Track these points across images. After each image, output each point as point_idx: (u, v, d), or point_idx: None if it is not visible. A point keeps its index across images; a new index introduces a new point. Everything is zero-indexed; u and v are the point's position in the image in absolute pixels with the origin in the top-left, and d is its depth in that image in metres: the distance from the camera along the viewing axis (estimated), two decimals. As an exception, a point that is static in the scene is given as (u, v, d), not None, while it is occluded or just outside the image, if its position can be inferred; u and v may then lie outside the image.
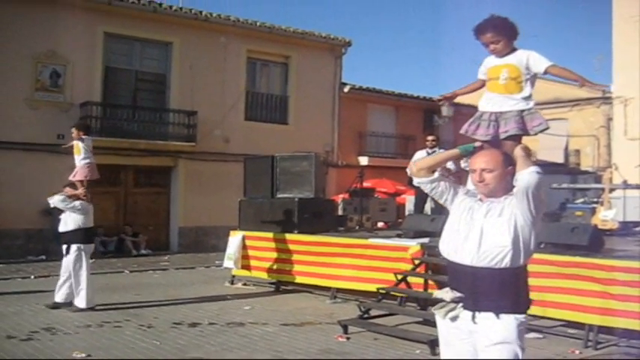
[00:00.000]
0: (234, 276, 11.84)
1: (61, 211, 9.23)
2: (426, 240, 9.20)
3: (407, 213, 15.07)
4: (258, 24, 20.11)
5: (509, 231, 3.23)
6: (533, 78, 3.99)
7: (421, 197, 11.84)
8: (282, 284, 11.06)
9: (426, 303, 8.27)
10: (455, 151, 3.78)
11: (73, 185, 9.22)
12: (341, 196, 15.88)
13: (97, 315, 8.44)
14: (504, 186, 3.35)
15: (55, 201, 9.07)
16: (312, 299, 10.18)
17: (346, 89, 22.45)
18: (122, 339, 7.17)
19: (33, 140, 16.32)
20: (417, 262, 8.71)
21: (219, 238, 14.15)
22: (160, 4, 18.29)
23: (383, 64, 60.69)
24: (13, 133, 16.05)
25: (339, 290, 9.92)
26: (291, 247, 10.69)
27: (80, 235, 8.98)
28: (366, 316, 7.91)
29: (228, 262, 11.78)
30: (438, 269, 8.77)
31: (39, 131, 16.39)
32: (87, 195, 9.23)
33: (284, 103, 21.11)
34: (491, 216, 3.31)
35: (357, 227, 12.37)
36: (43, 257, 15.85)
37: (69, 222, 9.04)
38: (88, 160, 9.26)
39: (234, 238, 11.76)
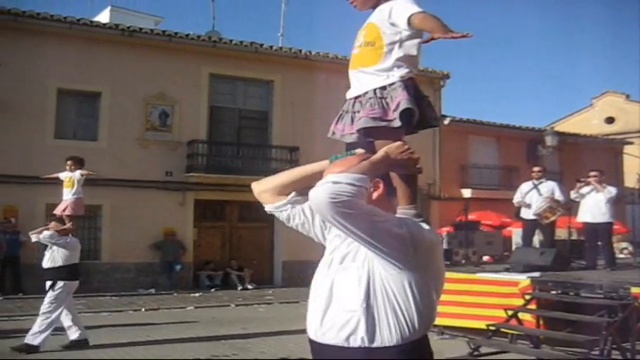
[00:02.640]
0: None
1: (45, 247, 8.91)
2: (536, 274, 8.88)
3: (514, 246, 14.65)
4: (357, 58, 20.25)
5: (359, 285, 2.15)
6: (404, 40, 2.47)
7: (529, 229, 11.48)
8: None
9: (539, 340, 7.96)
10: (322, 164, 2.64)
11: (59, 220, 8.86)
12: (445, 229, 15.63)
13: (206, 347, 8.60)
14: None
15: (44, 237, 8.67)
16: (419, 335, 9.96)
17: (446, 121, 22.21)
18: (231, 373, 7.27)
19: (143, 177, 17.05)
20: (527, 297, 8.40)
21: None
22: (261, 45, 18.82)
23: (483, 96, 59.83)
24: (125, 170, 16.83)
25: (446, 327, 9.69)
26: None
27: (67, 272, 8.60)
28: (476, 353, 7.68)
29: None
30: (551, 305, 8.44)
31: (149, 169, 17.12)
32: (74, 230, 9.08)
33: (386, 137, 21.05)
34: (348, 261, 2.26)
35: (463, 261, 12.10)
36: (152, 290, 16.38)
37: (56, 258, 8.59)
38: (79, 195, 8.99)
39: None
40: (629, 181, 23.64)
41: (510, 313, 8.23)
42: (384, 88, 2.41)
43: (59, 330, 8.60)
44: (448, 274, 9.83)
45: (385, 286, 2.12)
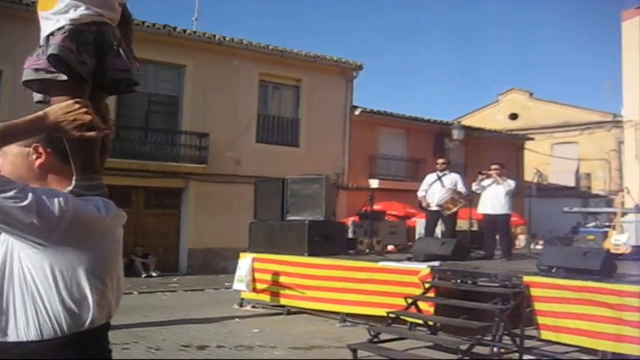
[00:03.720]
0: (243, 299, 11.78)
1: None
2: (436, 263, 9.15)
3: (417, 236, 15.03)
4: (270, 47, 20.26)
5: None
6: None
7: (432, 220, 11.82)
8: (291, 308, 11.00)
9: (437, 328, 8.21)
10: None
11: None
12: (351, 218, 15.87)
13: (106, 336, 8.40)
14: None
15: None
16: (322, 323, 10.11)
17: (357, 112, 22.49)
18: (130, 361, 7.14)
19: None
20: (426, 285, 8.64)
21: (229, 260, 14.15)
22: (174, 28, 18.46)
23: (394, 88, 60.91)
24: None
25: (348, 314, 9.85)
26: (301, 270, 10.63)
27: None
28: (375, 340, 7.84)
29: (238, 285, 11.73)
30: (449, 293, 8.72)
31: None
32: None
33: (295, 125, 21.18)
34: None
35: (368, 250, 12.33)
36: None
37: None
38: None
39: (244, 261, 11.73)
40: (529, 175, 24.74)
41: (410, 301, 8.45)
42: (53, 34, 1.96)
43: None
44: (352, 263, 10.04)
45: (24, 268, 1.75)
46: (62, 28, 1.94)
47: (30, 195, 1.68)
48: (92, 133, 1.84)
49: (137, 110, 18.32)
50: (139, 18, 18.47)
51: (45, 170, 1.93)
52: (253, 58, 20.00)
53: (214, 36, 19.24)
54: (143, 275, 17.14)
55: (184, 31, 18.87)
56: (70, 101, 1.84)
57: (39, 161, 1.92)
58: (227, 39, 19.44)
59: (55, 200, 1.72)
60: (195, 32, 19.25)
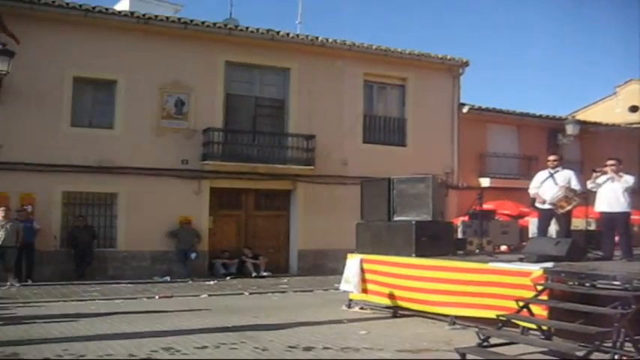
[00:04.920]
0: (351, 300, 11.74)
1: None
2: (549, 264, 8.72)
3: (530, 236, 14.46)
4: (374, 47, 20.16)
5: None
6: None
7: (545, 219, 11.30)
8: (399, 309, 10.84)
9: (550, 332, 7.81)
10: None
11: None
12: (461, 218, 15.48)
13: (215, 336, 8.58)
14: None
15: None
16: (430, 325, 9.90)
17: (465, 110, 21.96)
18: (237, 362, 7.23)
19: (159, 165, 17.09)
20: (539, 288, 8.25)
21: (338, 261, 14.13)
22: (278, 32, 18.72)
23: (502, 83, 59.10)
24: (141, 158, 16.89)
25: (457, 316, 9.58)
26: (408, 271, 10.46)
27: None
28: (485, 344, 7.55)
29: (345, 285, 11.70)
30: (564, 296, 8.29)
31: (164, 157, 17.16)
32: None
33: (402, 125, 20.95)
34: None
35: (477, 251, 11.95)
36: (168, 278, 16.44)
37: None
38: None
39: (352, 261, 11.69)
40: (652, 171, 23.28)
41: (521, 304, 8.10)
42: None
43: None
44: (461, 264, 9.76)
45: None
46: None
47: None
48: None
49: (245, 114, 18.71)
50: (243, 23, 18.96)
51: None
52: (357, 59, 19.96)
53: (317, 38, 19.35)
54: (254, 275, 17.47)
55: (287, 34, 19.09)
56: None
57: None
58: (330, 40, 19.50)
59: None
60: (298, 35, 19.44)
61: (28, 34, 15.67)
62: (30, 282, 14.81)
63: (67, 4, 16.32)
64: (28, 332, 8.91)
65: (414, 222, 10.75)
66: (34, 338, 8.43)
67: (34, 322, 9.77)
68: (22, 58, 15.16)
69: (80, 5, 16.46)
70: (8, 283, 14.25)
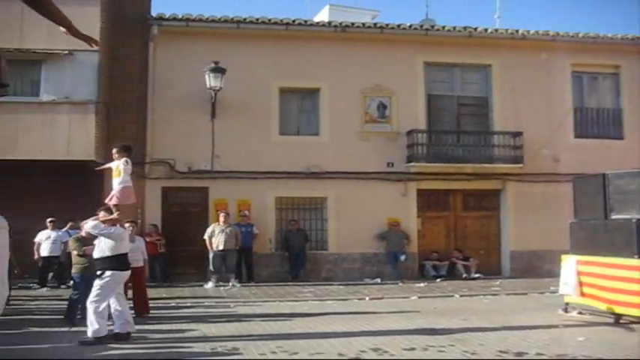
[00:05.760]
0: (567, 303, 11.07)
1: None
2: None
3: None
4: (580, 35, 18.95)
5: None
6: None
7: None
8: (622, 315, 10.02)
9: None
10: None
11: (108, 210, 8.72)
12: None
13: (423, 338, 8.52)
14: None
15: (87, 227, 8.77)
16: (659, 333, 9.04)
17: None
18: (445, 365, 7.12)
19: (365, 169, 17.44)
20: None
21: (554, 263, 13.43)
22: (476, 28, 18.27)
23: None
24: (347, 163, 17.36)
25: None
26: (631, 274, 9.63)
27: (114, 262, 8.52)
28: None
29: (563, 288, 11.08)
30: None
31: (370, 160, 17.48)
32: (121, 220, 8.87)
33: (617, 116, 19.44)
34: None
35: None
36: (378, 280, 16.69)
37: (104, 248, 8.54)
38: (125, 184, 8.60)
39: (567, 263, 11.05)
40: None
41: None
42: None
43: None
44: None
45: None
46: None
47: None
48: None
49: (447, 114, 18.51)
50: (439, 23, 18.77)
51: None
52: (563, 49, 18.83)
53: (517, 31, 18.60)
54: (463, 277, 17.18)
55: (486, 30, 18.58)
56: None
57: None
58: (532, 32, 18.67)
59: None
60: (497, 30, 18.84)
61: (236, 51, 16.93)
62: (252, 283, 15.82)
63: (269, 20, 17.34)
64: (247, 329, 9.51)
65: (634, 220, 9.88)
66: (251, 335, 8.98)
67: (252, 320, 10.41)
68: (232, 74, 16.44)
69: (281, 20, 17.39)
70: (230, 284, 15.33)
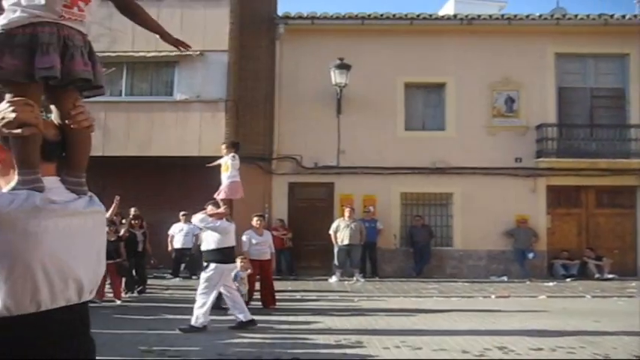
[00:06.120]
0: None
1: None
2: None
3: None
4: None
5: None
6: None
7: None
8: None
9: None
10: None
11: (215, 204, 8.96)
12: None
13: (551, 339, 8.28)
14: None
15: (195, 220, 9.02)
16: None
17: None
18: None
19: (492, 165, 17.05)
20: None
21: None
22: (612, 16, 17.35)
23: None
24: (474, 158, 17.04)
25: None
26: None
27: (219, 255, 8.76)
28: None
29: None
30: None
31: (497, 155, 17.07)
32: (228, 214, 9.00)
33: None
34: None
35: None
36: (505, 278, 16.30)
37: (209, 241, 8.86)
38: (233, 179, 8.81)
39: None
40: None
41: None
42: None
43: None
44: None
45: None
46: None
47: None
48: (17, 131, 1.93)
49: (579, 107, 17.70)
50: (571, 11, 18.01)
51: (6, 165, 2.07)
52: None
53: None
54: (596, 277, 16.45)
55: (623, 17, 17.52)
56: (4, 102, 1.96)
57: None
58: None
59: None
60: (636, 16, 17.76)
61: (360, 48, 17.05)
62: (376, 278, 15.92)
63: (394, 15, 17.33)
64: (370, 323, 9.62)
65: None
66: (375, 329, 9.09)
67: (376, 315, 10.50)
68: (357, 70, 16.59)
69: (406, 15, 17.32)
70: (354, 279, 15.49)
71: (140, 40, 16.01)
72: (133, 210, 13.41)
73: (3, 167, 2.08)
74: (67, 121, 2.14)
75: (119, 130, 16.23)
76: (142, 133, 16.27)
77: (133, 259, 12.66)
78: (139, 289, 12.89)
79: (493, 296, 13.29)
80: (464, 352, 7.42)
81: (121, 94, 16.77)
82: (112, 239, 11.71)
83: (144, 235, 13.20)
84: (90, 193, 2.20)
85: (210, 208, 9.06)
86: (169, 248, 15.68)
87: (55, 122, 2.18)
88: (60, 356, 1.98)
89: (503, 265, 16.97)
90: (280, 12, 17.73)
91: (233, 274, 10.15)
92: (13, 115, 1.92)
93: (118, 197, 11.53)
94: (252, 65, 17.49)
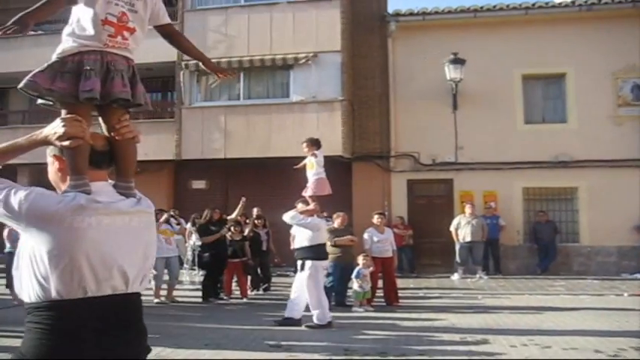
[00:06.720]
0: None
1: None
2: None
3: None
4: None
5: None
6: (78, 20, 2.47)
7: None
8: None
9: None
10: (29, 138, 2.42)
11: (305, 201, 9.02)
12: None
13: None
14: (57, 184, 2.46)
15: (286, 217, 9.07)
16: None
17: None
18: None
19: (618, 156, 16.23)
20: None
21: None
22: None
23: None
24: (599, 150, 16.29)
25: None
26: None
27: (312, 252, 8.89)
28: None
29: None
30: None
31: (624, 147, 16.24)
32: (319, 211, 9.04)
33: None
34: None
35: None
36: (638, 275, 15.50)
37: (302, 239, 9.02)
38: (319, 176, 8.78)
39: None
40: None
41: None
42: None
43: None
44: None
45: (28, 248, 2.22)
46: (51, 61, 2.42)
47: (3, 192, 2.22)
48: (66, 143, 2.24)
49: None
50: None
51: (64, 173, 2.38)
52: None
53: None
54: None
55: None
56: (58, 118, 2.31)
57: (57, 166, 2.41)
58: None
59: (18, 196, 2.20)
60: None
61: (475, 41, 16.72)
62: (499, 275, 15.59)
63: (507, 5, 16.87)
64: (495, 321, 9.47)
65: None
66: (500, 327, 8.94)
67: (501, 312, 10.31)
68: (472, 64, 16.30)
69: (520, 4, 16.82)
70: (477, 276, 15.23)
71: (255, 45, 16.52)
72: (255, 210, 13.85)
73: (62, 175, 2.39)
74: (112, 134, 2.47)
75: (239, 132, 16.81)
76: (261, 134, 16.75)
77: (258, 257, 13.07)
78: (264, 286, 13.28)
79: (626, 294, 12.66)
80: (596, 352, 7.15)
81: (239, 98, 17.36)
82: (238, 239, 12.20)
83: (267, 234, 13.59)
84: (139, 196, 2.49)
85: (300, 206, 9.27)
86: (291, 247, 15.99)
87: (104, 135, 2.50)
88: (110, 345, 2.21)
89: (636, 262, 16.10)
90: (390, 9, 17.71)
91: (355, 271, 10.31)
92: (63, 129, 2.25)
93: (244, 198, 11.98)
94: (366, 64, 17.57)
